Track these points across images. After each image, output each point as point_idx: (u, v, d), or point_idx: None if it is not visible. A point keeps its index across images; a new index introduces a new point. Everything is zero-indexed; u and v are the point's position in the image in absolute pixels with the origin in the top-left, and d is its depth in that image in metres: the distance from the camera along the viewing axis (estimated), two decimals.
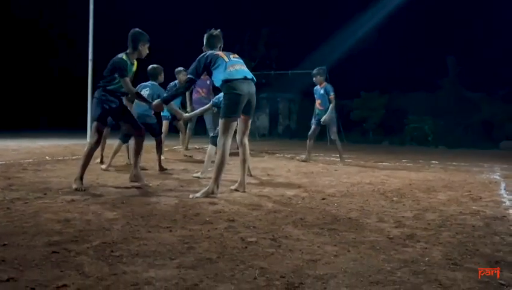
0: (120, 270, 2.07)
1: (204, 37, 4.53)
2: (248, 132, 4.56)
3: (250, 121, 4.51)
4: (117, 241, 2.52)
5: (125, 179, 5.13)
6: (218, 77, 4.19)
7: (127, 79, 4.36)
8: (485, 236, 2.88)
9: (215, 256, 2.31)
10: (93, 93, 12.13)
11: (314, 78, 7.84)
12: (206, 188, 4.10)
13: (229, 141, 4.20)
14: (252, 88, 4.26)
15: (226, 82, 4.11)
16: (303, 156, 8.30)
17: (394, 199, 4.25)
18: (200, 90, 8.75)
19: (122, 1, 21.53)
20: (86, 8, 12.47)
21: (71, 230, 2.75)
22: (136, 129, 4.65)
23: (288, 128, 20.15)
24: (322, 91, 7.71)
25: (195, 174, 5.51)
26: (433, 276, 2.10)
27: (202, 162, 7.22)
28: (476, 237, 2.85)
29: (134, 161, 4.66)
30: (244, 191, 4.38)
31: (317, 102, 7.84)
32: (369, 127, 18.02)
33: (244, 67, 4.31)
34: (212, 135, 5.65)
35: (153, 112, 5.75)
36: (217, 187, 4.12)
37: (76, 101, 17.69)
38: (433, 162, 8.68)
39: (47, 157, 7.32)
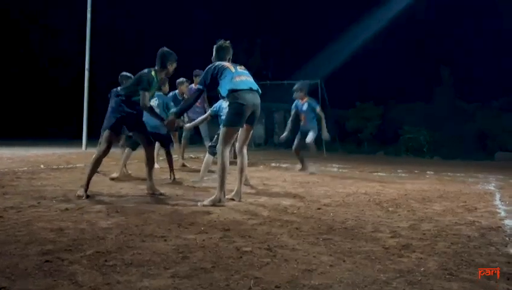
0: (114, 279, 2.05)
1: (214, 48, 4.55)
2: (248, 141, 4.60)
3: (252, 131, 4.54)
4: (111, 251, 2.50)
5: (120, 187, 5.11)
6: (224, 87, 4.24)
7: (147, 93, 4.42)
8: (480, 247, 2.88)
9: (210, 265, 2.29)
10: (89, 102, 12.06)
11: (294, 94, 7.63)
12: (214, 197, 4.13)
13: (228, 150, 4.26)
14: (257, 99, 4.31)
15: (232, 92, 4.16)
16: (298, 166, 8.33)
17: (390, 209, 4.25)
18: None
19: (119, 11, 21.64)
20: (84, 18, 12.52)
21: (65, 239, 2.73)
22: (148, 142, 4.71)
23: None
24: (305, 107, 7.56)
25: (192, 183, 5.50)
26: (428, 286, 2.09)
27: (198, 171, 7.20)
28: (472, 248, 2.84)
29: (147, 173, 4.71)
30: (240, 201, 4.37)
31: (302, 117, 7.73)
32: (364, 137, 18.06)
33: (250, 79, 4.36)
34: (209, 144, 5.64)
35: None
36: (224, 195, 4.15)
37: (72, 110, 17.68)
38: (429, 172, 8.70)
39: (41, 166, 7.28)
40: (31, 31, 21.95)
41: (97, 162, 4.44)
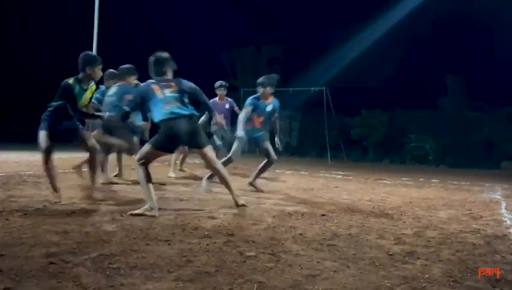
0: (118, 282, 2.05)
1: (150, 62, 4.19)
2: (215, 159, 4.32)
3: (208, 151, 4.19)
4: (115, 254, 2.50)
5: (125, 192, 5.12)
6: (154, 115, 4.04)
7: (71, 103, 4.25)
8: (485, 254, 2.86)
9: (214, 270, 2.29)
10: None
11: (260, 89, 5.72)
12: (145, 206, 3.83)
13: (145, 165, 3.97)
14: (190, 125, 4.01)
15: (161, 122, 3.97)
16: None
17: (394, 216, 4.23)
18: (218, 116, 7.52)
19: (126, 20, 21.86)
20: (91, 20, 12.61)
21: (69, 242, 2.74)
22: (92, 149, 4.49)
23: (288, 144, 20.18)
24: (269, 108, 5.78)
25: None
26: None
27: (200, 179, 7.24)
28: (477, 255, 2.83)
29: (91, 177, 4.56)
30: (242, 205, 4.23)
31: (259, 119, 5.79)
32: (369, 145, 18.02)
33: (179, 104, 4.01)
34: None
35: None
36: (154, 203, 3.82)
37: None
38: (434, 180, 8.66)
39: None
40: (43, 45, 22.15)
41: (47, 165, 4.26)
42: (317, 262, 2.52)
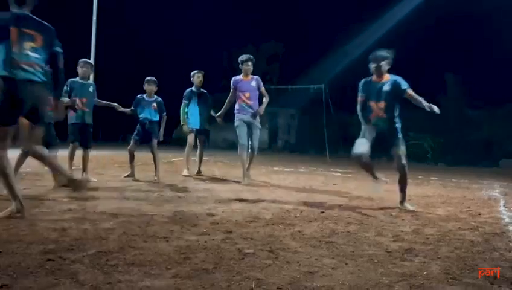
0: (115, 279, 2.04)
1: None
2: (35, 140, 3.55)
3: (37, 129, 3.51)
4: (113, 251, 2.49)
5: (123, 189, 5.12)
6: None
7: None
8: (484, 251, 2.86)
9: (212, 267, 2.29)
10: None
11: (373, 64, 4.60)
12: (10, 208, 3.34)
13: (4, 150, 3.41)
14: (36, 90, 3.29)
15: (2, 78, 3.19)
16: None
17: (393, 213, 4.23)
18: (243, 96, 6.51)
19: (126, 20, 21.82)
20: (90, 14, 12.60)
21: (67, 239, 2.73)
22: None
23: (287, 143, 20.20)
24: (386, 87, 4.57)
25: None
26: None
27: (207, 179, 7.21)
28: (475, 252, 2.82)
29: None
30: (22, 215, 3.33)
31: (379, 105, 4.60)
32: None
33: (32, 67, 3.27)
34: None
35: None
36: (20, 203, 3.32)
37: None
38: (433, 178, 8.67)
39: (45, 168, 7.29)
40: None
41: None
42: (316, 259, 2.51)
